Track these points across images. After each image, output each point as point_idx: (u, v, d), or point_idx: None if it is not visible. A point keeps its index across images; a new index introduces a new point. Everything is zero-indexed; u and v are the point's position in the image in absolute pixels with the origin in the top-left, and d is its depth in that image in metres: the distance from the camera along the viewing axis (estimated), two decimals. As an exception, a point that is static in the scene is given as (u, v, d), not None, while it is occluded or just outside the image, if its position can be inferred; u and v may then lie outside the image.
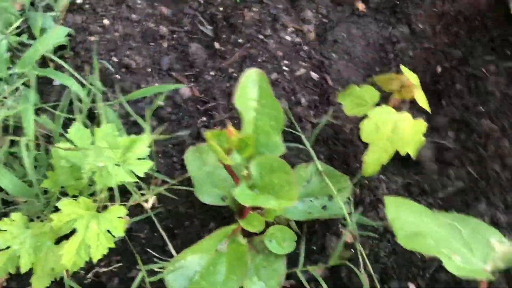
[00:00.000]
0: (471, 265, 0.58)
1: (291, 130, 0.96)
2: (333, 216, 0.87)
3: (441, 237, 0.60)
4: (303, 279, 0.85)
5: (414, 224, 0.62)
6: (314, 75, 1.08)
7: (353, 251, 0.90)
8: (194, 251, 0.76)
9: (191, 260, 0.76)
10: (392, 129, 0.73)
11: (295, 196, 0.62)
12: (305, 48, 1.09)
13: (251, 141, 0.68)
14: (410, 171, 0.97)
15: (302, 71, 1.07)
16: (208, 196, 0.83)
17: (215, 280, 0.75)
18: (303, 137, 0.94)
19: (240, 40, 1.07)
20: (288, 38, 1.08)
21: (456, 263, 0.57)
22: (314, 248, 0.91)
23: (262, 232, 0.84)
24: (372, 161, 0.76)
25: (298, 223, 0.91)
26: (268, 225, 0.84)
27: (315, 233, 0.92)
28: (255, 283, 0.81)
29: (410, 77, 0.74)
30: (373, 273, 0.87)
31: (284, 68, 1.06)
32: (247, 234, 0.87)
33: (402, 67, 0.78)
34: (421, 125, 0.79)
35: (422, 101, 0.72)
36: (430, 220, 0.63)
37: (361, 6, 1.16)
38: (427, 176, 0.97)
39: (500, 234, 0.63)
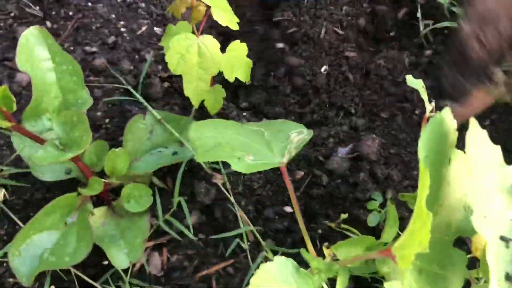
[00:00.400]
0: (265, 161, 0.57)
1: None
2: (187, 159, 0.85)
3: (241, 144, 0.59)
4: (168, 228, 0.84)
5: (215, 139, 0.61)
6: (157, 29, 1.05)
7: (225, 190, 0.89)
8: (39, 229, 0.74)
9: (39, 239, 0.73)
10: (199, 55, 0.71)
11: (87, 143, 0.59)
12: (143, 5, 1.06)
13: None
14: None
15: (143, 28, 1.04)
16: (48, 173, 0.80)
17: (65, 252, 0.72)
18: (131, 89, 0.91)
19: (70, 13, 1.03)
20: (119, -1, 1.04)
21: (247, 162, 0.56)
22: (185, 198, 0.90)
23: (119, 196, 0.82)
24: (192, 92, 0.74)
25: (161, 176, 0.89)
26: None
27: (182, 183, 0.90)
28: (121, 247, 0.79)
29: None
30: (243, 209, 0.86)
31: (122, 29, 1.02)
32: (107, 202, 0.85)
33: None
34: (241, 47, 0.78)
35: (221, 18, 0.70)
36: (233, 132, 0.62)
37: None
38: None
39: (302, 127, 0.62)
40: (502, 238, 0.51)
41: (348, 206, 0.88)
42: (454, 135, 0.52)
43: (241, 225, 0.86)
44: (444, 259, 0.56)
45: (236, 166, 0.56)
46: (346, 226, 0.86)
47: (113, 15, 1.03)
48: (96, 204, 0.84)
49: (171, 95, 0.97)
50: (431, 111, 0.57)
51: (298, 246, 0.80)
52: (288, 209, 0.91)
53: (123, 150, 0.78)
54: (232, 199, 0.88)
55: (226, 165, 0.91)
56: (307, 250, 0.63)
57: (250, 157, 0.56)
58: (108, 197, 0.85)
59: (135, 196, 0.81)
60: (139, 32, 1.03)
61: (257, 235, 0.85)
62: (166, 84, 0.98)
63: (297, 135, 0.61)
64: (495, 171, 0.50)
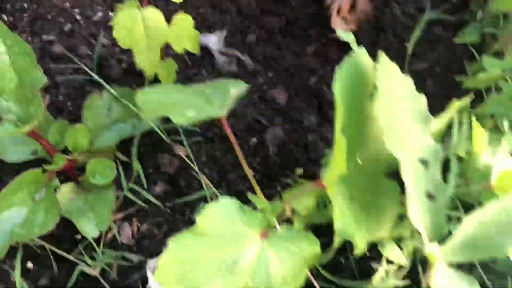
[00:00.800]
0: (205, 113, 0.62)
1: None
2: (146, 129, 0.89)
3: (183, 102, 0.64)
4: (135, 199, 0.89)
5: (159, 101, 0.65)
6: (112, 14, 1.08)
7: (188, 161, 0.94)
8: (8, 206, 0.78)
9: (8, 215, 0.77)
10: (144, 27, 0.75)
11: (40, 116, 0.63)
12: (96, -9, 1.09)
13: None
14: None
15: (99, 14, 1.07)
16: (15, 154, 0.84)
17: (34, 225, 0.77)
18: (86, 69, 0.95)
19: (25, 5, 1.06)
20: (72, -13, 1.08)
21: (187, 115, 0.60)
22: (150, 170, 0.94)
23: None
24: (144, 62, 0.78)
25: (126, 151, 0.93)
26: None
27: (147, 156, 0.95)
28: (90, 218, 0.84)
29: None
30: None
31: (77, 17, 1.06)
32: (74, 179, 0.89)
33: None
34: (187, 19, 0.82)
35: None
36: (177, 93, 0.66)
37: None
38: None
39: (242, 84, 0.67)
40: (422, 161, 0.57)
41: (303, 164, 0.94)
42: (373, 73, 0.57)
43: (206, 190, 0.91)
44: (376, 189, 0.61)
45: (177, 120, 0.60)
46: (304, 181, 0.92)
47: (68, 4, 1.07)
48: (64, 182, 0.88)
49: (129, 75, 1.01)
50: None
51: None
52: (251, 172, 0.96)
53: (82, 126, 0.82)
54: (195, 167, 0.92)
55: (188, 137, 0.95)
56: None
57: (191, 111, 0.61)
58: (75, 175, 0.89)
59: (99, 170, 0.85)
60: (95, 18, 1.07)
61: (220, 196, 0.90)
62: (124, 65, 1.02)
63: (236, 90, 0.66)
64: (409, 101, 0.55)
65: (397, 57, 1.02)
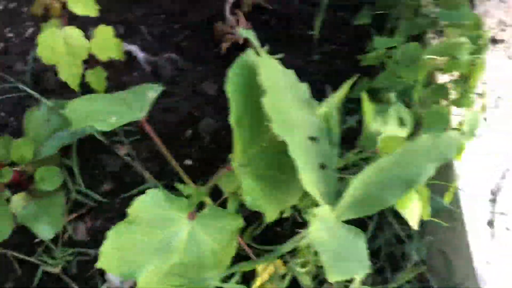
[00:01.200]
0: (126, 118, 0.71)
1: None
2: (84, 135, 0.97)
3: (107, 110, 0.72)
4: (84, 199, 0.97)
5: (86, 111, 0.74)
6: (43, 29, 1.14)
7: (129, 158, 1.03)
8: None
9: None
10: (65, 45, 0.83)
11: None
12: (25, 9, 1.15)
13: None
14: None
15: (29, 31, 1.13)
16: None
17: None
18: (20, 85, 1.03)
19: (-43, 29, 1.11)
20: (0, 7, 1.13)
21: (109, 121, 0.69)
22: (96, 171, 1.03)
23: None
24: (67, 76, 0.86)
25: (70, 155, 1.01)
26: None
27: (92, 159, 1.03)
28: (44, 221, 0.92)
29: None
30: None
31: (10, 35, 1.12)
32: (26, 188, 0.97)
33: None
34: (107, 30, 0.90)
35: (77, 8, 0.81)
36: (101, 102, 0.75)
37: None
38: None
39: (158, 87, 0.77)
40: (310, 137, 0.67)
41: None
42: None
43: (149, 183, 1.00)
44: (282, 166, 0.72)
45: (101, 127, 0.69)
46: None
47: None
48: (17, 192, 0.95)
49: (66, 85, 1.07)
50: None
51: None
52: (188, 162, 1.06)
53: (25, 139, 0.90)
54: (137, 163, 1.01)
55: (127, 136, 1.04)
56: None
57: (113, 117, 0.69)
58: (26, 184, 0.97)
59: (47, 177, 0.93)
60: (26, 35, 1.13)
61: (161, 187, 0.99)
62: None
63: (152, 94, 0.75)
64: (292, 90, 0.65)
65: (307, 41, 1.12)
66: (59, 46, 0.82)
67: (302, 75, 0.72)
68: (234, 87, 0.62)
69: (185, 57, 1.14)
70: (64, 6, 0.81)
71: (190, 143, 1.06)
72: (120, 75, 1.08)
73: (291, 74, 0.67)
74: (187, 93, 1.11)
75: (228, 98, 0.61)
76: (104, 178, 1.02)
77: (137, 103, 0.73)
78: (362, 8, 1.04)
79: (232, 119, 0.60)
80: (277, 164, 0.72)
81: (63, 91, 1.07)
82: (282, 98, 0.63)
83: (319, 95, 0.76)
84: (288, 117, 0.63)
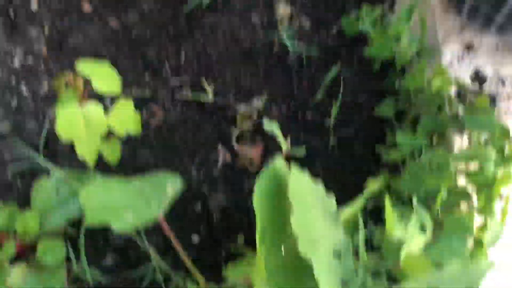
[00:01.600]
0: (143, 216, 0.68)
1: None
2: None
3: (124, 204, 0.70)
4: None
5: (101, 202, 0.71)
6: (59, 87, 1.12)
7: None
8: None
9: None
10: (85, 122, 0.81)
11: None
12: (42, 66, 1.13)
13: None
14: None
15: (45, 88, 1.12)
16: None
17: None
18: (32, 155, 1.00)
19: (-29, 83, 1.09)
20: (17, 63, 1.12)
21: (125, 221, 0.66)
22: (101, 243, 0.99)
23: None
24: (84, 153, 0.83)
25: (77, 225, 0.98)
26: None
27: (94, 230, 0.99)
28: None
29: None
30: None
31: (24, 93, 1.10)
32: (26, 257, 0.93)
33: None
34: (127, 104, 0.88)
35: (101, 87, 0.80)
36: (118, 193, 0.72)
37: (87, 6, 1.21)
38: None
39: (176, 179, 0.74)
40: (335, 252, 0.65)
41: (246, 230, 1.01)
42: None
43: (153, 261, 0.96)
44: (300, 278, 0.69)
45: (118, 227, 0.66)
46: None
47: (14, 79, 1.10)
48: (16, 260, 0.91)
49: (77, 149, 1.05)
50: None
51: (205, 273, 0.91)
52: (195, 238, 1.02)
53: (31, 213, 0.87)
54: (142, 239, 0.98)
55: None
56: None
57: (130, 214, 0.67)
58: (26, 253, 0.93)
59: (49, 251, 0.90)
60: (41, 93, 1.11)
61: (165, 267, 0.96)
62: (72, 139, 1.06)
63: (172, 187, 0.72)
64: (320, 205, 0.63)
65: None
66: (78, 123, 0.80)
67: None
68: (262, 200, 0.60)
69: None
70: (86, 82, 0.79)
71: (199, 219, 1.03)
72: (134, 147, 1.06)
73: (320, 189, 0.65)
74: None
75: (255, 209, 0.59)
76: (107, 251, 0.98)
77: (155, 198, 0.71)
78: (384, 100, 1.03)
79: (257, 237, 0.58)
80: (296, 276, 0.69)
81: (74, 153, 1.05)
82: (309, 216, 0.61)
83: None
84: (314, 234, 0.61)
